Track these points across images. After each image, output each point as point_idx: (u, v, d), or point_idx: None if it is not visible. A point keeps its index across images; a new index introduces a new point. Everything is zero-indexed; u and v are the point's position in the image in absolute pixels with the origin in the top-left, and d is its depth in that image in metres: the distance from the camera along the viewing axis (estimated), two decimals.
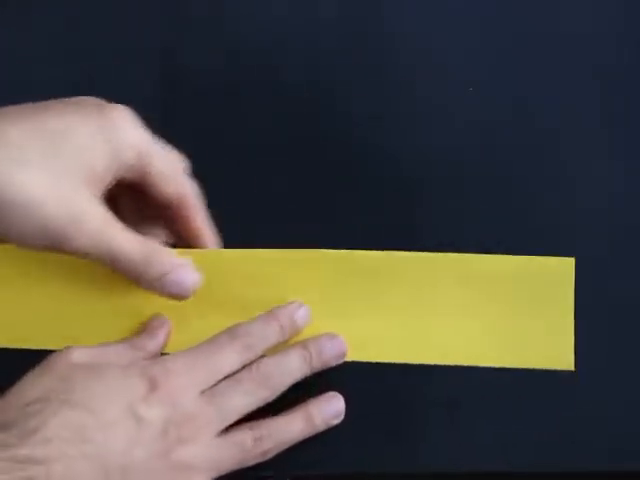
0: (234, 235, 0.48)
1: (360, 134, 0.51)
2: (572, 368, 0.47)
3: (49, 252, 0.42)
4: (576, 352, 0.47)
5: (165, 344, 0.46)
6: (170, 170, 0.45)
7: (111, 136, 0.42)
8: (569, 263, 0.47)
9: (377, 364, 0.47)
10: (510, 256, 0.47)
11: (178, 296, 0.45)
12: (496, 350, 0.47)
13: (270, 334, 0.45)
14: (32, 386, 0.42)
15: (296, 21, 0.53)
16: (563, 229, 0.49)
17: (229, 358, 0.44)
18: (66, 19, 0.53)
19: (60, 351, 0.43)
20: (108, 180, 0.43)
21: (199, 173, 0.46)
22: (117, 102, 0.44)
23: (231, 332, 0.45)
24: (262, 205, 0.49)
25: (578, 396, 0.47)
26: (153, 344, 0.46)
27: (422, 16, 0.52)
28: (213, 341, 0.45)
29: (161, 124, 0.45)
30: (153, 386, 0.42)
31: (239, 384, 0.44)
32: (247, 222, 0.47)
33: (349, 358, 0.47)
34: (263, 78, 0.52)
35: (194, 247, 0.47)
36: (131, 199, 0.46)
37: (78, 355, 0.43)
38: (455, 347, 0.47)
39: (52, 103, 0.43)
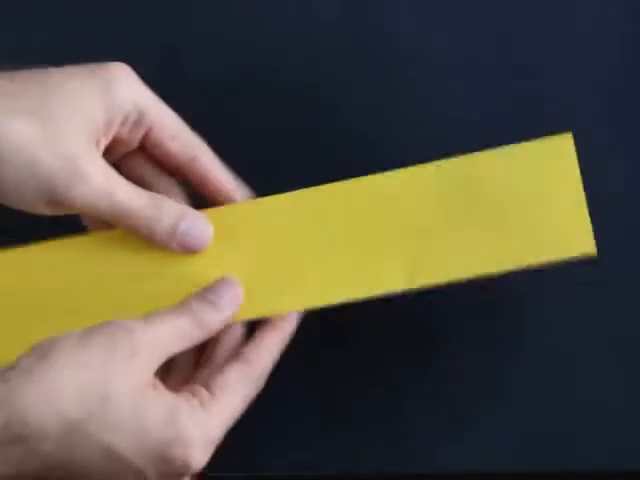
0: None
1: (360, 134, 0.51)
2: (594, 252, 0.42)
3: (52, 213, 0.40)
4: (576, 352, 0.47)
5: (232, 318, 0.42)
6: (174, 125, 0.43)
7: (108, 89, 0.41)
8: (567, 138, 0.44)
9: (376, 364, 0.47)
10: (499, 149, 0.44)
11: (192, 248, 0.42)
12: (511, 251, 0.43)
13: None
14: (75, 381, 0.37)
15: (296, 21, 0.53)
16: None
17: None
18: (66, 19, 0.53)
19: (125, 333, 0.39)
20: (109, 135, 0.42)
21: None
22: None
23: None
24: None
25: (578, 396, 0.47)
26: (217, 318, 0.41)
27: (422, 16, 0.52)
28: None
29: None
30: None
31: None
32: None
33: (374, 292, 0.43)
34: (263, 78, 0.52)
35: (220, 203, 0.44)
36: (142, 172, 0.44)
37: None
38: (471, 256, 0.43)
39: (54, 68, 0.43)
